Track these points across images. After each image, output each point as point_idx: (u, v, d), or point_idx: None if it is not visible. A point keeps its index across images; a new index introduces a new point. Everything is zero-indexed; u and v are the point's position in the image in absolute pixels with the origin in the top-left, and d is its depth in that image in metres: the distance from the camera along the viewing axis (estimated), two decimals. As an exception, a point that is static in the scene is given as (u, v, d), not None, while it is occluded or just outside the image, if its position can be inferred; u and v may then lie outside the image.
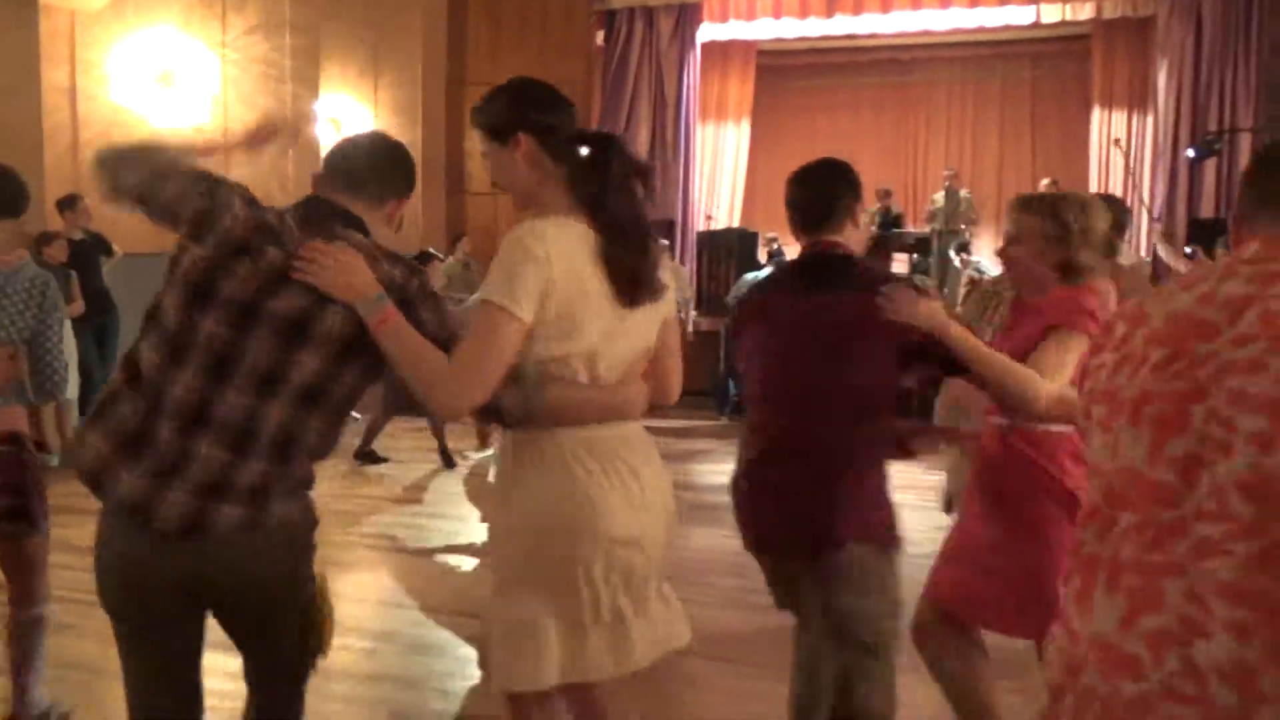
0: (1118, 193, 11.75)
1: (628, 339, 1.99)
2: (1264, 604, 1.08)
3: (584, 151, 1.98)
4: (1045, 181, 10.89)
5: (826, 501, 2.30)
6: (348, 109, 10.67)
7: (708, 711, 3.24)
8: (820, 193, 2.46)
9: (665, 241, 8.69)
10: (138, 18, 8.35)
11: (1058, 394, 2.21)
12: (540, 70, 12.18)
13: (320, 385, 1.84)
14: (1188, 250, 8.09)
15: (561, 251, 1.86)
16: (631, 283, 1.93)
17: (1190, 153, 9.73)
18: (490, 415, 1.89)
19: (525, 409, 1.87)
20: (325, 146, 10.28)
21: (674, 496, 2.15)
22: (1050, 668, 1.32)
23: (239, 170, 9.17)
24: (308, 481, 1.93)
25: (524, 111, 2.00)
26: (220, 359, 1.79)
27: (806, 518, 2.33)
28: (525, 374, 1.86)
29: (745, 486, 2.50)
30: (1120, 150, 11.44)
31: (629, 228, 1.94)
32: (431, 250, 8.47)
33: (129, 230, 8.10)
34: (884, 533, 2.37)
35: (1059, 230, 2.38)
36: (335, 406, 1.89)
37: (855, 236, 2.51)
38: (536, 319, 1.84)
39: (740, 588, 4.49)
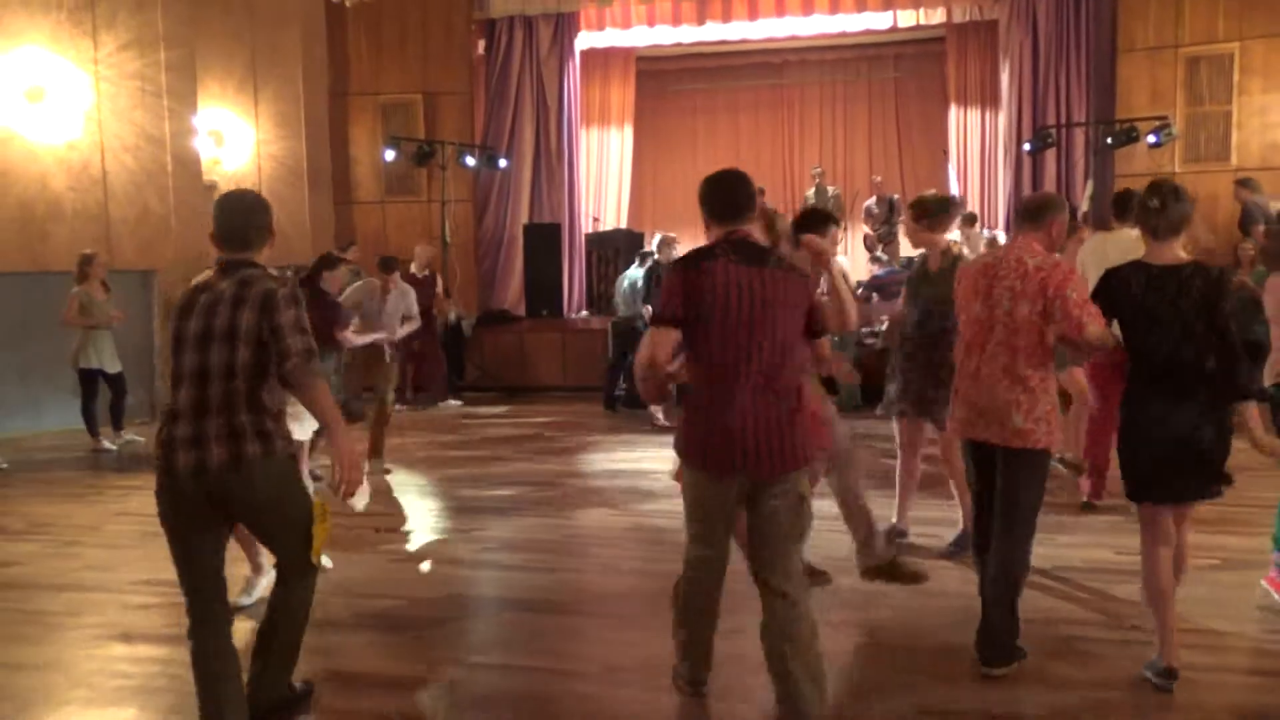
0: (974, 183, 12.71)
1: None
2: (1016, 348, 3.32)
3: None
4: (877, 179, 11.64)
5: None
6: (229, 123, 10.68)
7: (590, 658, 3.61)
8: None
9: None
10: (3, 39, 8.24)
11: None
12: (424, 80, 12.43)
13: None
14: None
15: None
16: None
17: (1026, 146, 10.62)
18: None
19: None
20: (207, 160, 10.28)
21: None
22: (959, 392, 3.50)
23: (117, 177, 9.14)
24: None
25: None
26: None
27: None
28: None
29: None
30: (946, 158, 12.40)
31: None
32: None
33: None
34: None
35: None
36: None
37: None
38: None
39: (616, 556, 4.91)
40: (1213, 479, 3.20)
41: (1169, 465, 3.18)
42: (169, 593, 4.21)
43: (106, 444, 7.80)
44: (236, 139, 10.80)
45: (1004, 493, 3.35)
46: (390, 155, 10.77)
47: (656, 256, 9.07)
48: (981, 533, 3.50)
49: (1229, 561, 4.46)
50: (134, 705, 3.34)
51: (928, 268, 4.60)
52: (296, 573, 3.02)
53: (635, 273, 9.35)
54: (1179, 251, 3.25)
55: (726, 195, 2.97)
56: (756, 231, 3.07)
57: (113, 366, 7.78)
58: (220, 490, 2.82)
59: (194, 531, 2.88)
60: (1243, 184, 9.05)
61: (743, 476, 2.85)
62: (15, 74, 8.34)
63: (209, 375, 2.84)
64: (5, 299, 8.24)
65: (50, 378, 8.37)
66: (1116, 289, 3.26)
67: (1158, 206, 3.22)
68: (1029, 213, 3.49)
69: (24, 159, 8.44)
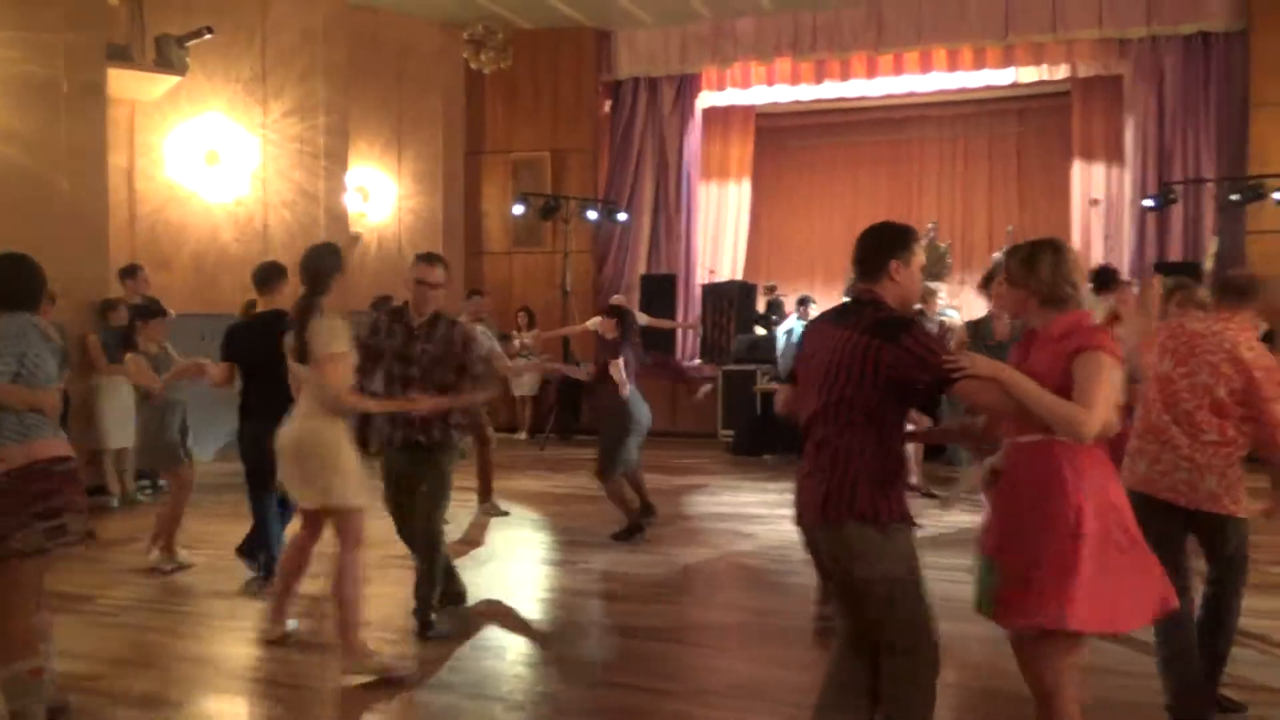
0: (1097, 242, 12.50)
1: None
2: (1196, 413, 3.38)
3: None
4: (1009, 228, 11.59)
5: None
6: (374, 180, 11.63)
7: (683, 680, 3.90)
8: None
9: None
10: (190, 106, 9.34)
11: (1099, 422, 2.50)
12: (553, 138, 13.16)
13: None
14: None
15: None
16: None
17: (1147, 202, 10.44)
18: None
19: None
20: (354, 214, 11.17)
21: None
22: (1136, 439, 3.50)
23: (276, 230, 10.04)
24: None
25: None
26: None
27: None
28: None
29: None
30: (1096, 209, 12.14)
31: None
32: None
33: (178, 294, 9.02)
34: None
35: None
36: None
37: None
38: None
39: (713, 592, 5.20)
40: None
41: None
42: (311, 606, 4.77)
43: None
44: (380, 195, 11.75)
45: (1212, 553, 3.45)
46: (519, 210, 11.50)
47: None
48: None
49: None
50: (274, 700, 3.84)
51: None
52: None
53: (794, 323, 9.59)
54: None
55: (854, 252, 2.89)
56: (885, 292, 2.80)
57: None
58: None
59: None
60: None
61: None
62: (198, 138, 9.42)
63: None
64: (183, 338, 9.19)
65: (213, 410, 9.26)
66: None
67: None
68: (1236, 291, 3.49)
69: (200, 215, 9.49)
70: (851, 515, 2.64)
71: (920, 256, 2.86)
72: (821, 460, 2.73)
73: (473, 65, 10.79)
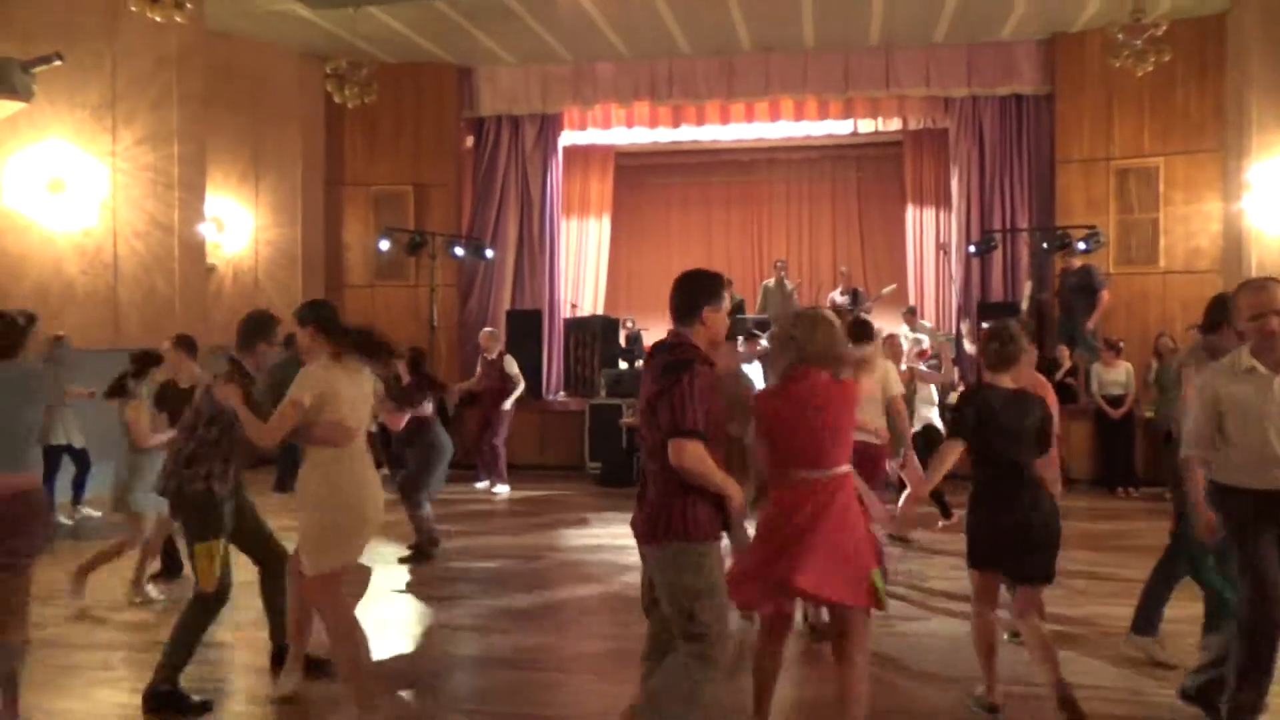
0: (930, 279, 13.58)
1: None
2: None
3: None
4: (843, 269, 12.41)
5: None
6: (230, 211, 11.34)
7: (568, 705, 4.12)
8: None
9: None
10: (31, 132, 8.89)
11: None
12: (414, 172, 13.15)
13: None
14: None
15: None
16: None
17: (970, 248, 11.49)
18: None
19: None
20: (209, 245, 10.82)
21: None
22: None
23: (128, 262, 9.63)
24: None
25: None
26: None
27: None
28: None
29: None
30: (944, 254, 13.13)
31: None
32: None
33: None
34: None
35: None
36: None
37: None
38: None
39: (593, 622, 5.44)
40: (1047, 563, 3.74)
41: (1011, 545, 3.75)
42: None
43: (61, 518, 8.09)
44: (236, 226, 11.45)
45: None
46: (385, 245, 11.46)
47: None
48: None
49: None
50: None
51: None
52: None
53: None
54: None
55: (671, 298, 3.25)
56: (696, 335, 3.20)
57: (79, 441, 8.19)
58: None
59: None
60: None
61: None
62: (39, 166, 8.98)
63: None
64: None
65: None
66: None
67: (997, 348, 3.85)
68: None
69: (41, 245, 9.03)
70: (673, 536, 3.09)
71: (728, 302, 3.28)
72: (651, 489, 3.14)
73: (336, 99, 10.71)
